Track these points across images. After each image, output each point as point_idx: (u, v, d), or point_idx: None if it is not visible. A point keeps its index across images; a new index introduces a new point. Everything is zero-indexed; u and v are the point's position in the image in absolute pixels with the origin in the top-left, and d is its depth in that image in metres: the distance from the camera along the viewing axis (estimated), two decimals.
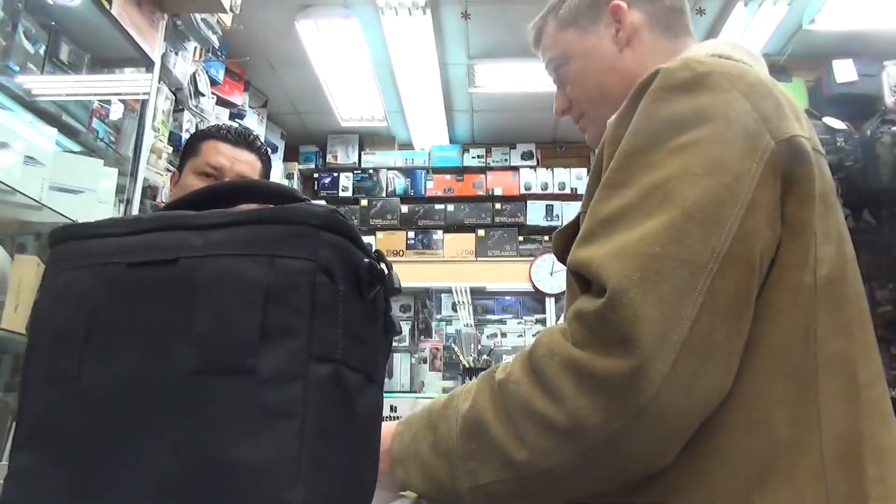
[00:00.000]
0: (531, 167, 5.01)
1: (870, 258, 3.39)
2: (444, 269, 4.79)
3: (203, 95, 3.42)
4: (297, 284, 0.45)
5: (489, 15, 3.56)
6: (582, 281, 0.67)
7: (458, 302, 5.09)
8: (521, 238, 4.85)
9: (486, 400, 0.67)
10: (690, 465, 0.63)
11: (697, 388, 0.60)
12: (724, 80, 0.68)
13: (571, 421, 0.60)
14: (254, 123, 4.24)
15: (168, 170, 3.01)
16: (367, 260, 0.50)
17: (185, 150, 1.49)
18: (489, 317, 5.18)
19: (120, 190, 2.41)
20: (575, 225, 0.76)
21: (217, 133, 1.45)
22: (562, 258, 0.78)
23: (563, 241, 0.79)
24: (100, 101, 2.47)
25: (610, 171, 0.69)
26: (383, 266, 0.53)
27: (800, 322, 0.65)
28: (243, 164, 1.42)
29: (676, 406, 0.59)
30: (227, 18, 3.10)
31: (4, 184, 1.93)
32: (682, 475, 0.63)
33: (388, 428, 0.74)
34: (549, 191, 4.91)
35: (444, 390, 3.76)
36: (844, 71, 3.70)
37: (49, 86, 2.26)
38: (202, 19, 3.03)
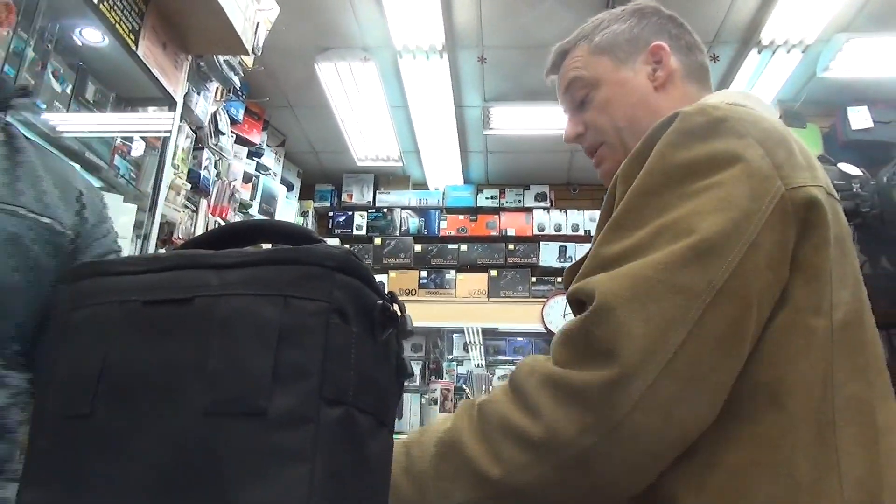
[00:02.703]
0: (545, 208, 5.03)
1: (887, 305, 3.33)
2: (457, 309, 4.78)
3: (223, 134, 3.49)
4: (310, 326, 0.46)
5: (504, 59, 3.63)
6: (581, 309, 0.67)
7: (470, 342, 5.06)
8: (533, 279, 4.85)
9: (463, 421, 0.68)
10: None
11: (675, 414, 0.59)
12: (739, 126, 0.69)
13: (547, 433, 0.60)
14: (271, 162, 4.31)
15: (186, 206, 3.05)
16: (380, 302, 0.51)
17: None
18: (500, 357, 5.13)
19: (138, 225, 2.44)
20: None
21: None
22: None
23: (573, 278, 0.79)
24: (122, 138, 2.52)
25: (621, 210, 0.70)
26: (396, 308, 0.53)
27: (817, 365, 0.65)
28: None
29: (652, 427, 0.59)
30: (248, 60, 3.18)
31: None
32: None
33: None
34: (563, 232, 4.92)
35: None
36: (859, 118, 3.71)
37: (74, 123, 2.31)
38: (225, 61, 3.12)
